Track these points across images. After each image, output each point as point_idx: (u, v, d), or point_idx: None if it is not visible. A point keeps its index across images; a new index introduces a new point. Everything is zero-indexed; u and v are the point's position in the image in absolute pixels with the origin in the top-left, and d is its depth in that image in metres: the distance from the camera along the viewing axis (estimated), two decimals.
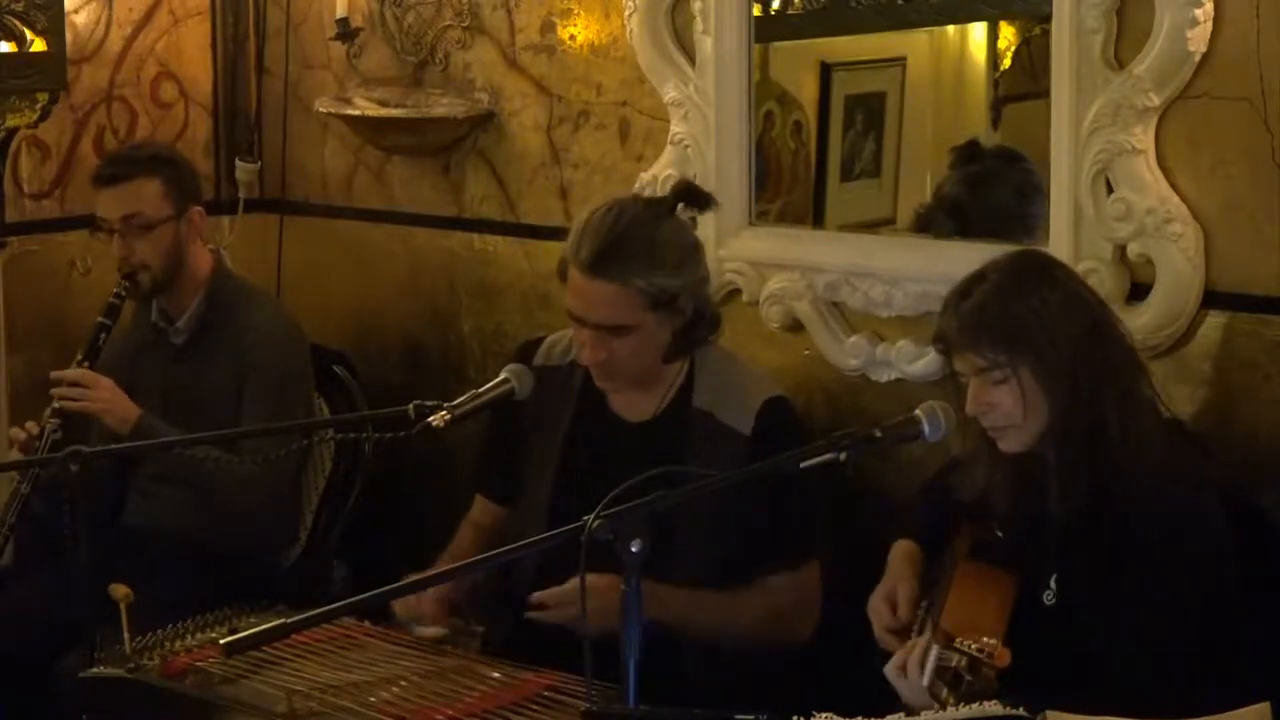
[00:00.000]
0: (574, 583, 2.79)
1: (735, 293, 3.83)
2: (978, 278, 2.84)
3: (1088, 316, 2.83)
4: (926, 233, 3.74)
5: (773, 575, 3.25)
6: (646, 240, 3.19)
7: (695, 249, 3.28)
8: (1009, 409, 2.78)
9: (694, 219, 3.66)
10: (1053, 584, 2.83)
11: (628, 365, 3.25)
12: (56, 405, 3.82)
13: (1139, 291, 3.24)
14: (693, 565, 3.18)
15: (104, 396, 3.83)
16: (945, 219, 3.70)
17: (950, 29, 3.88)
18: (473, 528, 3.50)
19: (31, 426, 3.83)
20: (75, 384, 3.83)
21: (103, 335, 3.92)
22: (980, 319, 2.78)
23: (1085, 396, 2.76)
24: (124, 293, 3.95)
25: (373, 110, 4.34)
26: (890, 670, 2.72)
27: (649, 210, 3.28)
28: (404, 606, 3.17)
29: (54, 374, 3.87)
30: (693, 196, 3.34)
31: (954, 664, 2.55)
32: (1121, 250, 3.27)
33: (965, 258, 3.36)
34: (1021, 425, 2.79)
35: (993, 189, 3.68)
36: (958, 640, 2.58)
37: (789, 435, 3.26)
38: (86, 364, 3.90)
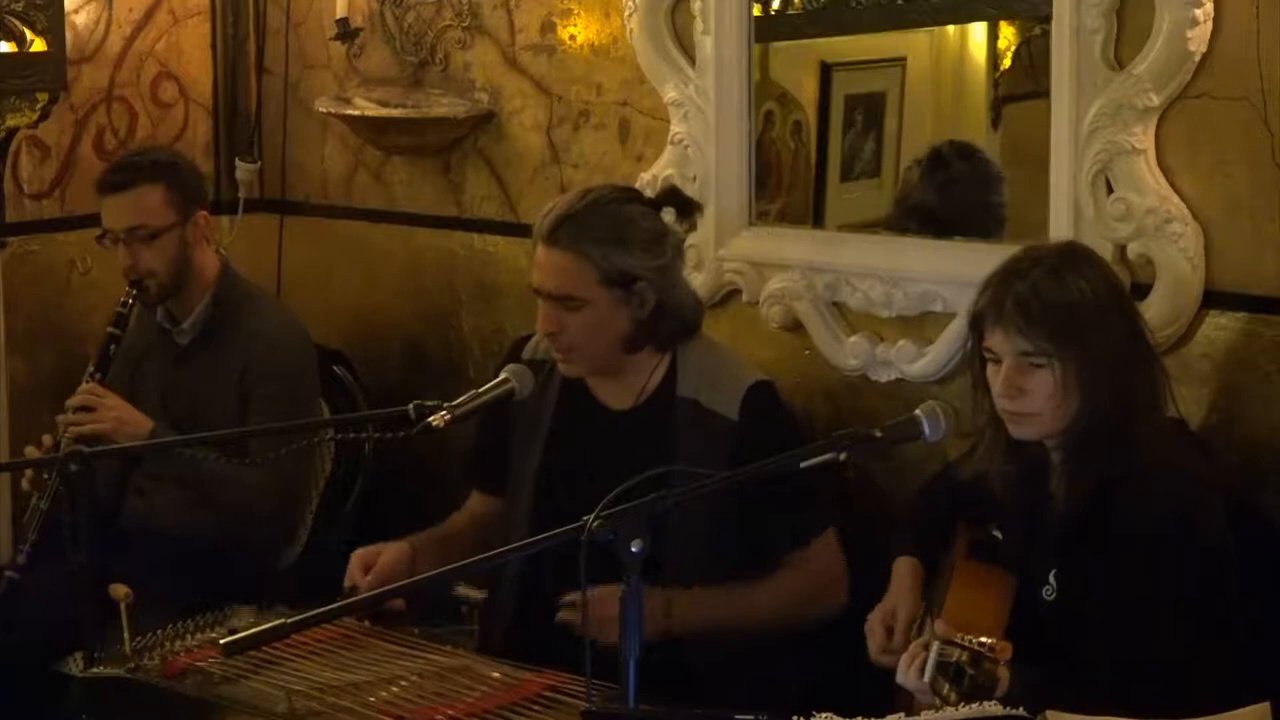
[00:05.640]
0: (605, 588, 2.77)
1: (735, 293, 3.83)
2: (1030, 260, 2.83)
3: (1127, 316, 2.84)
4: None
5: (798, 551, 3.27)
6: (607, 216, 3.22)
7: (660, 237, 3.27)
8: (1040, 397, 2.77)
9: (694, 222, 3.67)
10: (1052, 579, 2.83)
11: (582, 345, 3.25)
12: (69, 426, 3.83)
13: (1139, 291, 3.23)
14: (712, 561, 3.21)
15: (111, 415, 3.83)
16: (918, 225, 3.70)
17: (950, 29, 3.88)
18: (469, 515, 3.51)
19: (47, 440, 3.83)
20: (81, 408, 3.83)
21: (112, 346, 3.93)
22: (1038, 302, 2.76)
23: (1119, 398, 2.77)
24: (131, 300, 3.95)
25: (373, 110, 4.34)
26: (900, 678, 2.71)
27: (618, 193, 3.32)
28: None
29: (67, 404, 3.87)
30: (677, 200, 3.36)
31: (955, 659, 2.54)
32: (1121, 250, 3.27)
33: (965, 257, 3.39)
34: (1046, 416, 2.79)
35: (961, 188, 3.69)
36: (958, 636, 2.58)
37: (777, 420, 3.29)
38: (99, 375, 3.90)
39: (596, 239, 3.20)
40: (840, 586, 3.29)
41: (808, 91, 3.97)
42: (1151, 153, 3.24)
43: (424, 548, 3.29)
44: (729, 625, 3.20)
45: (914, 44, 3.91)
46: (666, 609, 3.10)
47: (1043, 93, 3.37)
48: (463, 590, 3.48)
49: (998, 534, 2.95)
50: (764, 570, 3.25)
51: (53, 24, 4.24)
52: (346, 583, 3.21)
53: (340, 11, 4.43)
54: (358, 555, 3.24)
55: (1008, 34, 3.78)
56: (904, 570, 3.03)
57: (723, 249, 3.82)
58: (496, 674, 2.92)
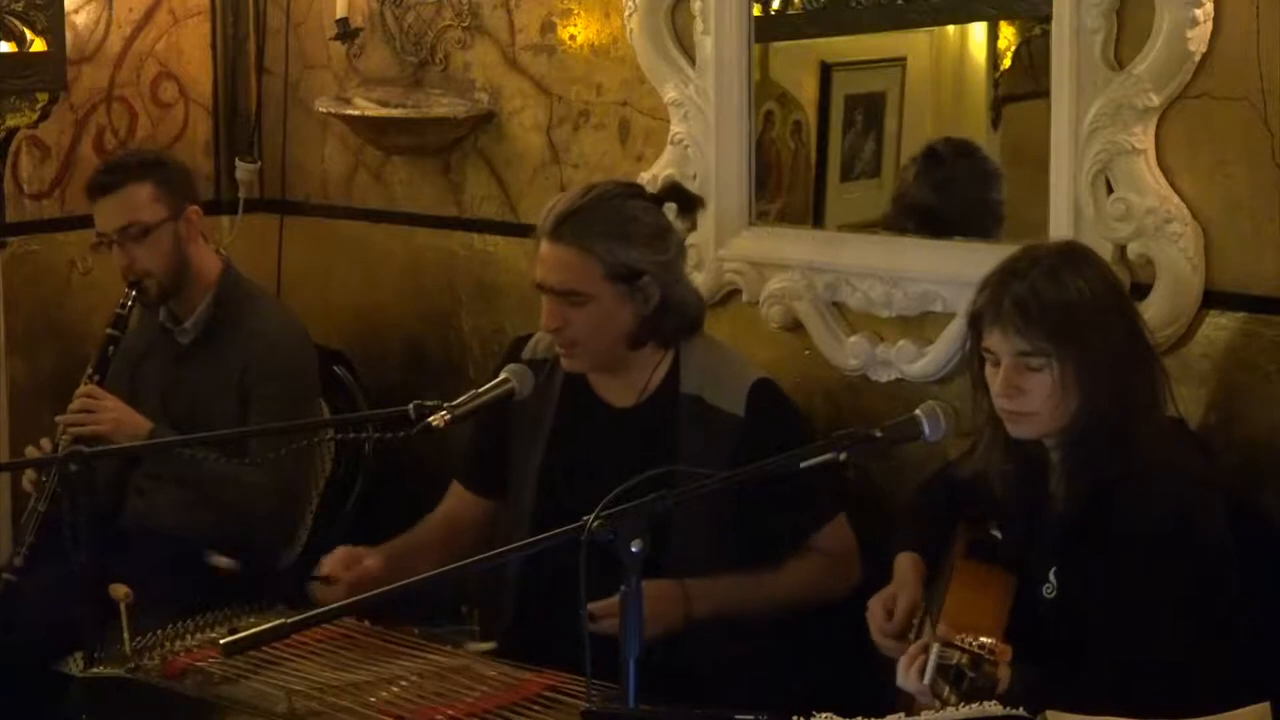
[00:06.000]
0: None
1: (735, 293, 3.83)
2: (1028, 260, 2.82)
3: (1126, 316, 2.84)
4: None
5: (813, 535, 3.29)
6: (611, 211, 3.23)
7: (663, 233, 3.29)
8: (1039, 397, 2.77)
9: (695, 218, 3.67)
10: (1052, 577, 2.83)
11: (587, 340, 3.25)
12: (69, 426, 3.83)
13: (1139, 291, 3.23)
14: (725, 554, 3.23)
15: (110, 417, 3.83)
16: (915, 224, 3.70)
17: (950, 29, 3.88)
18: (443, 520, 3.52)
19: (45, 444, 3.83)
20: (80, 409, 3.83)
21: (111, 348, 3.93)
22: (1036, 302, 2.75)
23: (1118, 398, 2.77)
24: (130, 302, 3.95)
25: (373, 110, 4.34)
26: (900, 680, 2.72)
27: (621, 188, 3.33)
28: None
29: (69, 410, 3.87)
30: (680, 195, 3.38)
31: (955, 661, 2.54)
32: (1121, 250, 3.27)
33: (965, 257, 3.38)
34: (1044, 415, 2.79)
35: (959, 187, 3.69)
36: (958, 638, 2.58)
37: (782, 416, 3.30)
38: (97, 378, 3.90)
39: (600, 234, 3.20)
40: (855, 565, 3.32)
41: (808, 91, 3.97)
42: (1151, 153, 3.24)
43: (396, 559, 3.29)
44: (750, 610, 3.22)
45: (914, 44, 3.91)
46: (685, 598, 3.13)
47: (1043, 93, 3.37)
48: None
49: (997, 533, 2.95)
50: (780, 558, 3.27)
51: (53, 24, 4.24)
52: (320, 570, 3.21)
53: (340, 11, 4.43)
54: (343, 550, 3.26)
55: (1008, 34, 3.78)
56: (905, 564, 3.03)
57: (723, 249, 3.82)
58: (496, 674, 2.92)
